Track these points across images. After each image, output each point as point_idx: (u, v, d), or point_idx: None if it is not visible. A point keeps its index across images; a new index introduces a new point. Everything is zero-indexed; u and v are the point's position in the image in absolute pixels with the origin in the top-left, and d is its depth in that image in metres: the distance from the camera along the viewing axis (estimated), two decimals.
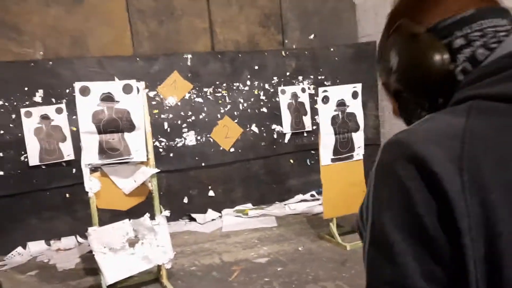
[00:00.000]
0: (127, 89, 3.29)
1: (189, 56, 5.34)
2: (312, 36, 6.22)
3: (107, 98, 3.23)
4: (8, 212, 4.67)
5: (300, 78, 5.95)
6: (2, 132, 4.58)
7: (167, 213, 3.48)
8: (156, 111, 5.19)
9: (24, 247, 4.74)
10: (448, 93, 0.61)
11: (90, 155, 3.19)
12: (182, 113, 5.31)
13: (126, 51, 5.27)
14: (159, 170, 3.51)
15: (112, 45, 5.21)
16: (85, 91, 3.17)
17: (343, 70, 6.02)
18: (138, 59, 5.15)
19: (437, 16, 0.65)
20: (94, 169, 3.28)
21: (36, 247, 4.73)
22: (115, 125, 3.25)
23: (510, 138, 0.47)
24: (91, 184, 3.22)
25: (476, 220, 0.44)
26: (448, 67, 0.62)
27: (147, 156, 3.37)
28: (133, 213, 3.93)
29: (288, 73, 5.88)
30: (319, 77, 6.06)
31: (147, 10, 5.37)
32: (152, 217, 3.45)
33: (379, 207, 0.52)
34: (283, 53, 5.87)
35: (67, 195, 4.87)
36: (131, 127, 3.30)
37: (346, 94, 4.01)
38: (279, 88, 5.79)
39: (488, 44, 0.60)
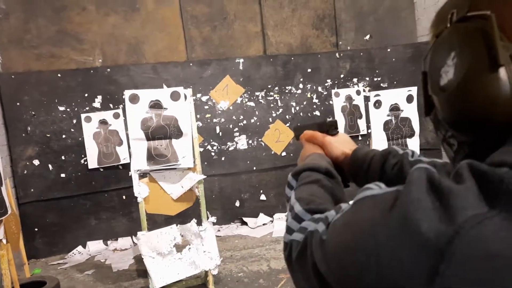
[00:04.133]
0: (175, 96, 3.33)
1: (241, 60, 5.35)
2: (367, 37, 6.01)
3: (156, 105, 3.30)
4: (70, 213, 4.92)
5: (355, 80, 5.78)
6: (64, 136, 4.84)
7: (213, 219, 3.49)
8: (208, 115, 5.25)
9: (84, 246, 4.97)
10: (497, 144, 0.42)
11: (139, 161, 3.27)
12: (234, 117, 5.33)
13: (180, 56, 5.37)
14: (205, 176, 3.53)
15: (166, 51, 5.34)
16: (134, 99, 3.26)
17: (401, 72, 5.77)
18: (191, 64, 5.23)
19: None
20: (143, 174, 3.36)
21: (94, 246, 4.95)
22: (163, 131, 3.31)
23: None
24: (140, 189, 3.30)
25: None
26: None
27: (194, 162, 3.40)
28: (185, 216, 4.01)
29: (342, 76, 5.72)
30: (375, 79, 5.85)
31: (201, 16, 5.44)
32: (199, 223, 3.47)
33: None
34: (337, 55, 5.72)
35: (124, 197, 5.05)
36: (178, 134, 3.34)
37: (400, 98, 3.82)
38: (333, 91, 5.64)
39: None
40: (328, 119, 0.99)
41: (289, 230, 0.61)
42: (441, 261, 0.33)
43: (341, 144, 0.91)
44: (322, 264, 0.48)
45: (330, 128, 0.95)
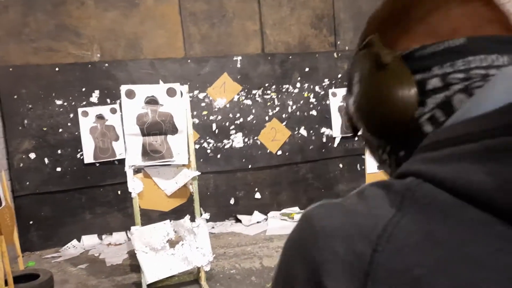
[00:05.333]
0: (171, 93, 3.35)
1: (239, 58, 5.37)
2: None
3: (151, 101, 3.31)
4: (65, 207, 4.94)
5: None
6: (61, 130, 4.85)
7: (207, 215, 3.52)
8: (205, 112, 5.27)
9: (79, 240, 5.00)
10: (412, 146, 0.45)
11: (133, 157, 3.29)
12: (230, 115, 5.35)
13: (178, 53, 5.38)
14: (199, 173, 3.55)
15: (165, 47, 5.35)
16: (130, 94, 3.27)
17: None
18: (189, 61, 5.24)
19: (418, 39, 0.48)
20: (137, 170, 3.38)
21: (89, 240, 4.97)
22: (158, 127, 3.32)
23: (432, 256, 0.32)
24: (134, 184, 3.32)
25: None
26: (412, 112, 0.46)
27: (189, 159, 3.41)
28: (179, 212, 4.03)
29: (340, 75, 5.74)
30: None
31: (199, 13, 5.45)
32: (193, 219, 3.50)
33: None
34: (335, 54, 5.74)
35: (119, 192, 5.07)
36: (173, 130, 3.36)
37: None
38: (330, 91, 5.66)
39: (471, 89, 0.44)
40: None
41: None
42: (367, 280, 0.33)
43: None
44: None
45: None
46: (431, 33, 0.48)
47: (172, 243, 3.50)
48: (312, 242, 0.38)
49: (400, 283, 0.32)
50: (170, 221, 3.49)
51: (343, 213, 0.39)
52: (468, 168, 0.34)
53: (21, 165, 4.75)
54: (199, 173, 3.55)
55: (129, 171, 3.31)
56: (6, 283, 3.21)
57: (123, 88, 3.28)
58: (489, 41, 0.46)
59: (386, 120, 0.48)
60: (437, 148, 0.39)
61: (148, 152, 3.32)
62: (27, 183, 4.77)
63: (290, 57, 5.57)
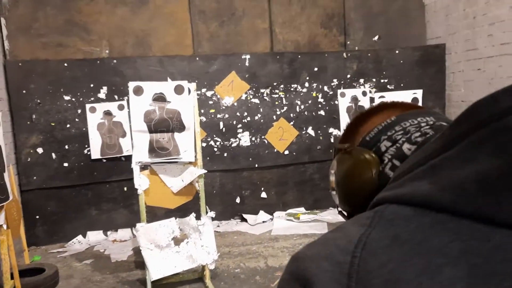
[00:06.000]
0: (179, 90, 3.34)
1: (248, 56, 5.34)
2: (376, 38, 5.98)
3: (159, 98, 3.30)
4: (71, 202, 4.95)
5: (362, 81, 5.75)
6: (68, 126, 4.86)
7: (212, 214, 3.50)
8: (212, 110, 5.25)
9: (84, 236, 5.01)
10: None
11: (140, 153, 3.28)
12: (238, 114, 5.33)
13: (186, 51, 5.37)
14: (206, 171, 3.53)
15: (173, 45, 5.34)
16: (138, 91, 3.27)
17: (408, 74, 5.73)
18: (197, 58, 5.23)
19: (365, 133, 0.68)
20: (143, 167, 3.37)
21: (94, 236, 4.98)
22: (165, 125, 3.31)
23: (400, 252, 0.39)
24: (140, 181, 3.31)
25: None
26: (377, 169, 0.62)
27: (195, 156, 3.40)
28: (185, 210, 4.02)
29: (349, 76, 5.70)
30: (382, 81, 5.81)
31: (209, 11, 5.44)
32: (198, 217, 3.48)
33: None
34: (344, 55, 5.70)
35: (125, 188, 5.07)
36: (181, 128, 3.35)
37: (404, 100, 3.80)
38: (339, 91, 5.61)
39: (412, 139, 0.61)
40: None
41: None
42: (350, 281, 0.40)
43: None
44: None
45: None
46: (371, 126, 0.69)
47: (177, 241, 3.49)
48: (301, 268, 0.45)
49: (377, 278, 0.39)
50: (176, 218, 3.48)
51: (322, 242, 0.48)
52: (419, 184, 0.43)
53: (29, 159, 4.76)
54: (206, 171, 3.53)
55: (135, 167, 3.30)
56: (12, 276, 3.22)
57: (131, 85, 3.28)
58: (412, 113, 0.66)
59: (362, 184, 0.64)
60: (398, 179, 0.49)
61: (155, 149, 3.31)
62: (34, 177, 4.79)
63: (299, 56, 5.53)
